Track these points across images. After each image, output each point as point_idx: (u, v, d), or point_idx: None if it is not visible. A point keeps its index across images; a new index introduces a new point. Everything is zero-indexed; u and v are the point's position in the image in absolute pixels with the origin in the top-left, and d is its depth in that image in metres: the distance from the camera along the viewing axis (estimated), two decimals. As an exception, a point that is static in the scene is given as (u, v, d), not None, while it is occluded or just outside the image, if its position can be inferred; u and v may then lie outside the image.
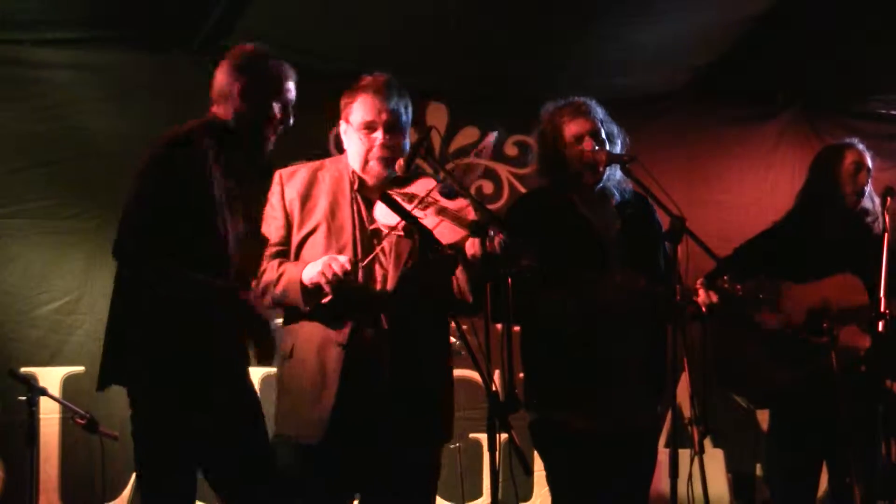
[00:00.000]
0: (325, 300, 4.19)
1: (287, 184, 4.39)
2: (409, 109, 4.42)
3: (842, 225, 5.30)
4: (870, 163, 5.36)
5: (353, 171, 4.39)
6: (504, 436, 3.69)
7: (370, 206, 4.29)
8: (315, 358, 4.24)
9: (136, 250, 3.85)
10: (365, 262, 4.23)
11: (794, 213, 5.45)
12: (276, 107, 4.09)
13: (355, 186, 4.37)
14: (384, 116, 4.31)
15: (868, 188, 5.34)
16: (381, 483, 4.30)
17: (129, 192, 3.93)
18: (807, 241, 5.26)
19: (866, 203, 5.34)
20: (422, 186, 4.32)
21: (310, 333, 4.28)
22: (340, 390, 4.19)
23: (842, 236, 5.27)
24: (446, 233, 4.13)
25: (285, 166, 4.45)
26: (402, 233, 4.18)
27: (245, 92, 4.06)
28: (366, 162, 4.34)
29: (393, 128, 4.32)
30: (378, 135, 4.32)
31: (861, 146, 5.42)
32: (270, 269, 4.30)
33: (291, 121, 4.16)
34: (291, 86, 4.15)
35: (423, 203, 4.23)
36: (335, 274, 4.12)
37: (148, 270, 3.86)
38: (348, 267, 4.13)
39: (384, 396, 4.20)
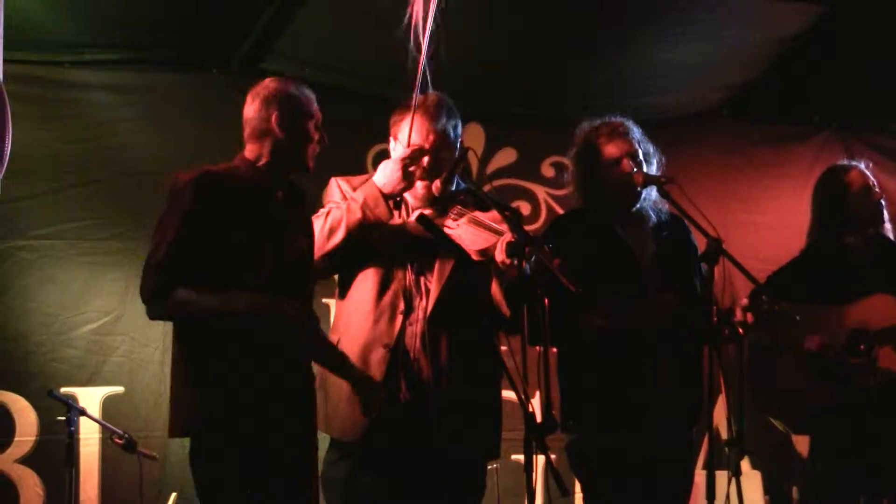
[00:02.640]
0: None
1: (343, 184, 4.43)
2: (459, 128, 4.45)
3: (868, 245, 5.25)
4: (873, 178, 5.30)
5: None
6: (542, 457, 3.68)
7: None
8: (359, 357, 4.24)
9: (153, 288, 3.83)
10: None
11: (819, 238, 5.37)
12: (312, 127, 4.09)
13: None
14: (431, 138, 4.34)
15: (883, 203, 5.30)
16: (425, 489, 4.29)
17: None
18: (838, 264, 5.21)
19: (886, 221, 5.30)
20: (460, 201, 4.36)
21: (356, 333, 4.29)
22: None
23: (870, 256, 5.22)
24: (478, 240, 4.17)
25: (320, 187, 4.48)
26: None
27: (282, 121, 4.03)
28: None
29: (439, 149, 4.36)
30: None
31: (858, 164, 5.37)
32: (335, 209, 4.30)
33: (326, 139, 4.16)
34: (316, 105, 4.15)
35: (459, 214, 4.28)
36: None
37: (164, 305, 3.84)
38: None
39: (428, 401, 4.21)
